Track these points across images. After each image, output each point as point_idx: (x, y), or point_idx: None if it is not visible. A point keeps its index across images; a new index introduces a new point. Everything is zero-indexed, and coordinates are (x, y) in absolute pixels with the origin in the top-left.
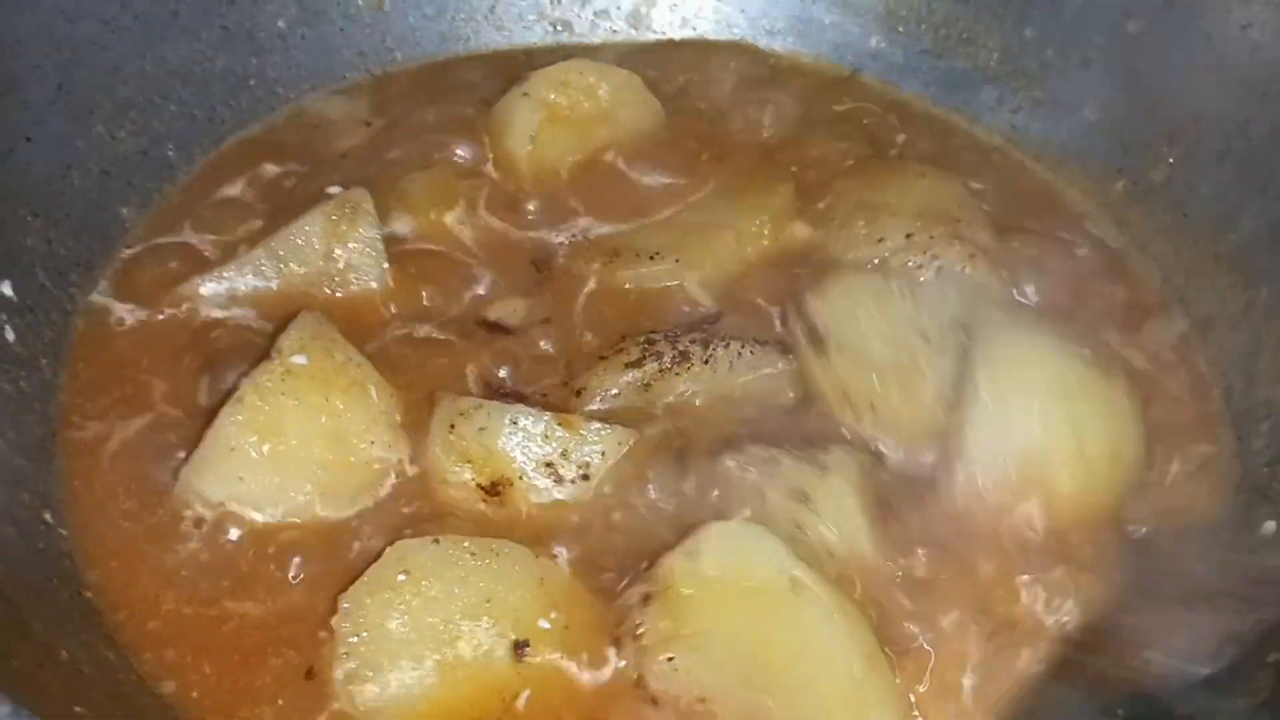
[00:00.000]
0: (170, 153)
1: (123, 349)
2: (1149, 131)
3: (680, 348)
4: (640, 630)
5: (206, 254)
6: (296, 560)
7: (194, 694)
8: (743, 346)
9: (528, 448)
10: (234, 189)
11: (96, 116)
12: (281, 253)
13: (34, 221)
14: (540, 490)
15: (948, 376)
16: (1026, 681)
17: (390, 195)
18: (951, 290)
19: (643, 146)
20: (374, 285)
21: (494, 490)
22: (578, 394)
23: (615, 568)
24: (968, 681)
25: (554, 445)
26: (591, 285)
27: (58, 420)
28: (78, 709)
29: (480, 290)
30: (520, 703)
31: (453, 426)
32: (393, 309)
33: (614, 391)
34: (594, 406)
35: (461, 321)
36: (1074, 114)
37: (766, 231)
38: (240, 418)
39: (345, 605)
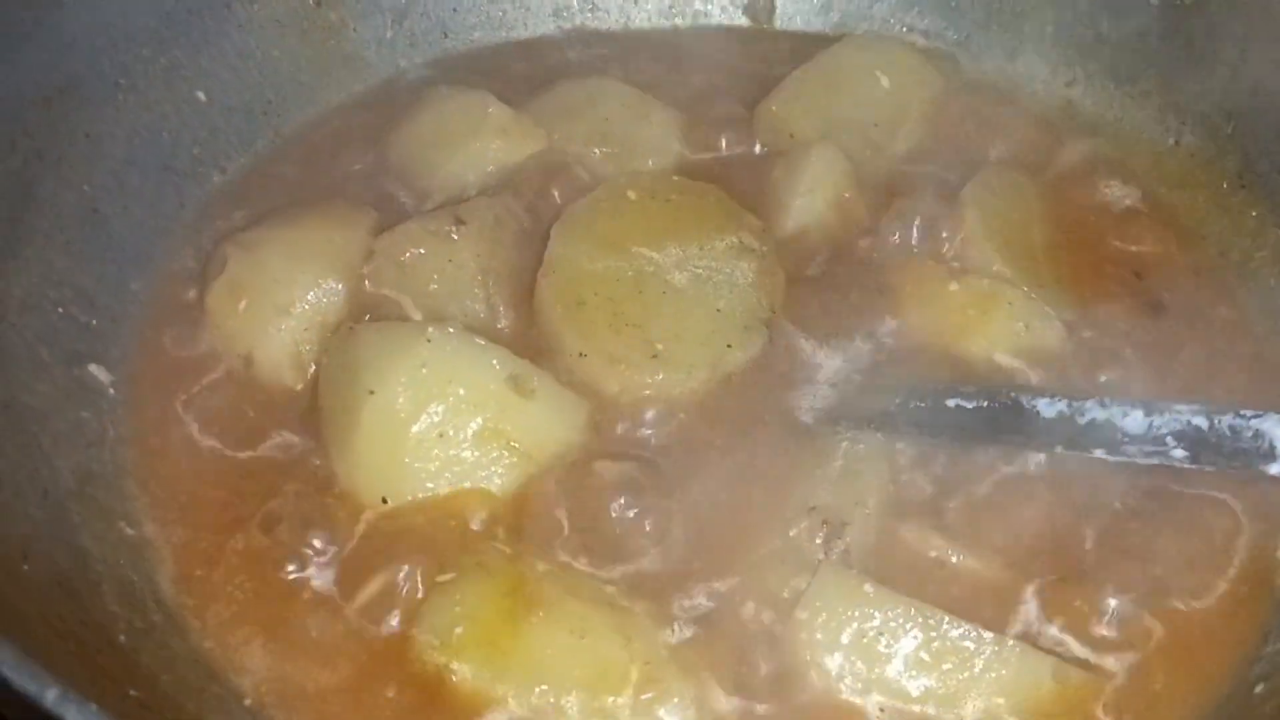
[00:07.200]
0: (229, 144)
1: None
2: (1207, 104)
3: None
4: None
5: None
6: None
7: (269, 700)
8: None
9: None
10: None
11: (155, 111)
12: None
13: (94, 215)
14: None
15: None
16: None
17: None
18: None
19: None
20: None
21: None
22: None
23: None
24: None
25: None
26: None
27: None
28: (132, 692)
29: None
30: None
31: None
32: None
33: None
34: None
35: None
36: (1130, 87)
37: None
38: None
39: None
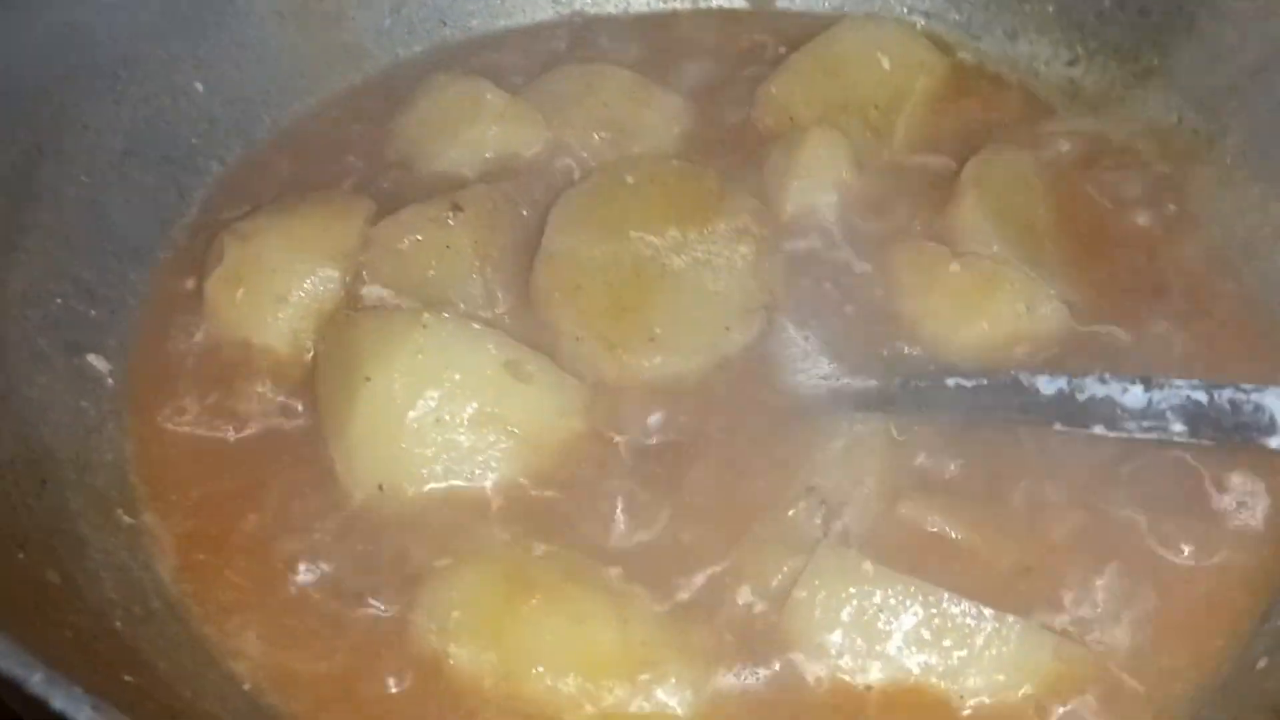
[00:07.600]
0: (228, 134)
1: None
2: (1209, 81)
3: None
4: None
5: None
6: None
7: (265, 686)
8: None
9: None
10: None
11: (155, 103)
12: None
13: (93, 206)
14: None
15: None
16: None
17: None
18: None
19: None
20: None
21: None
22: None
23: None
24: None
25: None
26: None
27: None
28: (128, 678)
29: None
30: None
31: None
32: None
33: None
34: None
35: None
36: (1132, 65)
37: None
38: None
39: None
